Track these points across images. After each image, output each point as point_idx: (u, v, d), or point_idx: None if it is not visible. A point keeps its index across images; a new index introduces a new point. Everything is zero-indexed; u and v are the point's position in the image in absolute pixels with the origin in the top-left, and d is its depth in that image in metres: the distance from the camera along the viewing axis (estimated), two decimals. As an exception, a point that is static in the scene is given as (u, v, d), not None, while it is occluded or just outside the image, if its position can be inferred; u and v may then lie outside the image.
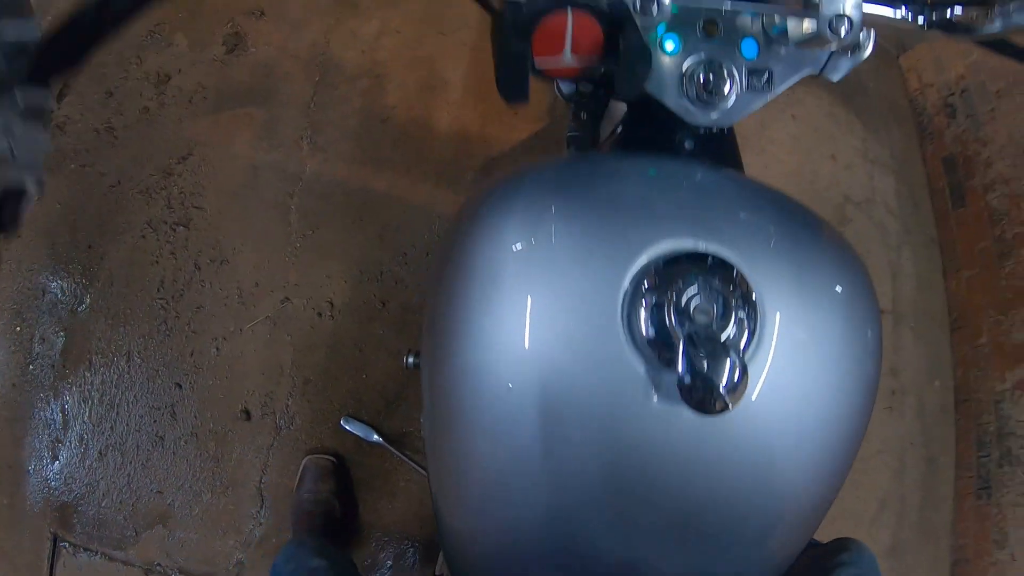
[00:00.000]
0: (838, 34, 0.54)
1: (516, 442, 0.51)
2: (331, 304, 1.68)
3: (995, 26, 0.53)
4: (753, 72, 0.61)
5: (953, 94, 3.00)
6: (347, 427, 1.44)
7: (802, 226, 0.62)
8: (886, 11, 0.57)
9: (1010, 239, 2.53)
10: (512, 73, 0.46)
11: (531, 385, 0.49)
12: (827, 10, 0.53)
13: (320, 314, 1.66)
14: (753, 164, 2.30)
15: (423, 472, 1.32)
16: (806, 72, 0.64)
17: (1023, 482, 2.15)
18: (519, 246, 0.51)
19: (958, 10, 0.57)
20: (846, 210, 2.48)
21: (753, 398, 0.51)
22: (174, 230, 1.68)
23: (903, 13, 0.58)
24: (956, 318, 2.63)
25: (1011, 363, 2.35)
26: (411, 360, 0.88)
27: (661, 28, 0.57)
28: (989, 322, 2.49)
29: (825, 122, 2.67)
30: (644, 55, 0.48)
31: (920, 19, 0.59)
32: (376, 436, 1.37)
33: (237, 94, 1.90)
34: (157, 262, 1.67)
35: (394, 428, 1.53)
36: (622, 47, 0.46)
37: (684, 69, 0.60)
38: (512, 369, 0.50)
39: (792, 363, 0.53)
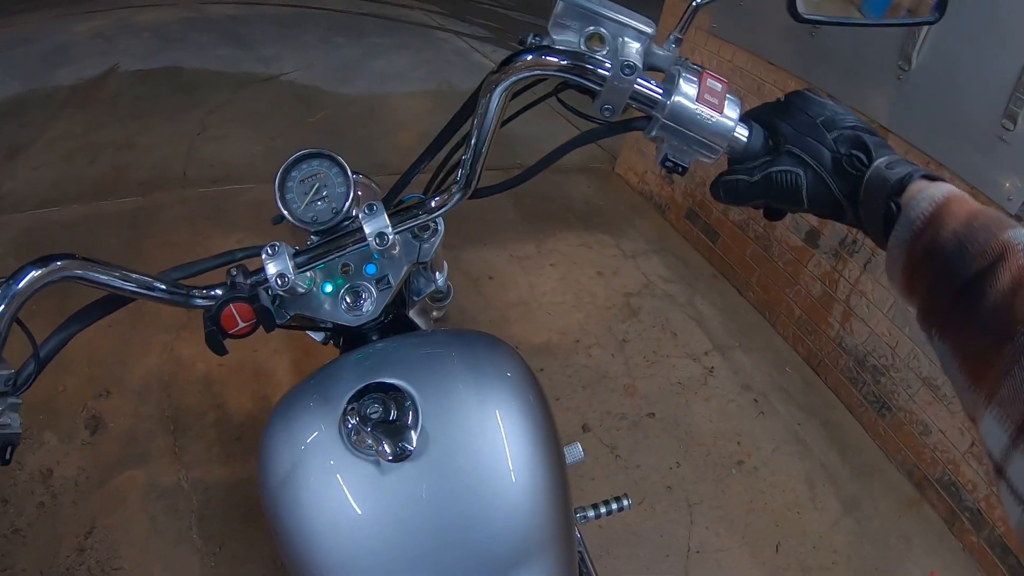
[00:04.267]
0: (384, 246, 0.78)
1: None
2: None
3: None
4: (379, 280, 0.87)
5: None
6: None
7: (444, 341, 0.88)
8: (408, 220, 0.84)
9: (763, 233, 3.07)
10: (215, 344, 0.77)
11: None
12: (370, 234, 0.77)
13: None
14: (542, 323, 2.81)
15: None
16: (408, 263, 0.88)
17: (902, 379, 2.51)
18: (310, 438, 0.76)
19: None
20: (631, 303, 2.97)
21: (444, 448, 0.75)
22: (105, 596, 1.84)
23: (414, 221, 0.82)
24: (768, 314, 3.09)
25: (825, 311, 2.80)
26: None
27: (325, 287, 0.88)
28: (791, 297, 2.96)
29: (578, 253, 3.24)
30: (268, 315, 0.79)
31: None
32: None
33: (114, 464, 2.18)
34: (100, 630, 1.81)
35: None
36: (260, 318, 0.78)
37: (339, 296, 0.88)
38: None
39: (449, 419, 0.76)
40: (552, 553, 0.80)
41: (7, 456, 0.66)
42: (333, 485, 0.74)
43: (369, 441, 0.72)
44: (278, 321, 0.82)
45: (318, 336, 1.05)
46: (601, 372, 2.60)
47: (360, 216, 0.79)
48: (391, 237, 0.79)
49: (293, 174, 0.86)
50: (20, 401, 0.68)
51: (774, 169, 0.65)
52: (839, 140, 0.64)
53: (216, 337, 0.77)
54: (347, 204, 0.85)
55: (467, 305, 2.87)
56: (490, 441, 0.77)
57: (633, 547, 2.09)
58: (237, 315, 0.77)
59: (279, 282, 0.78)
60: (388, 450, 0.70)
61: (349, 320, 0.87)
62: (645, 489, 2.24)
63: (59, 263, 0.66)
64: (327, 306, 0.87)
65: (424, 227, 0.88)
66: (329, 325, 0.92)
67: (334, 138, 4.10)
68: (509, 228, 3.34)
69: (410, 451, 0.71)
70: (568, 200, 3.64)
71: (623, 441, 2.37)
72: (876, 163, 0.62)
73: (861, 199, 0.63)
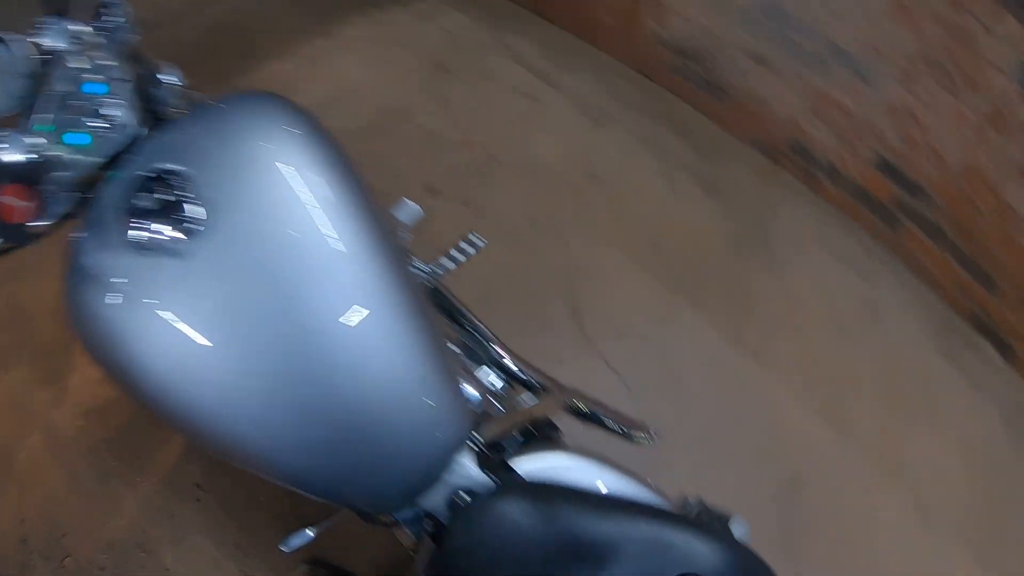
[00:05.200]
0: (84, 43, 0.76)
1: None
2: (198, 486, 1.76)
3: None
4: (112, 84, 0.78)
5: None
6: (291, 546, 1.32)
7: (208, 113, 0.81)
8: None
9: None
10: (11, 234, 0.70)
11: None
12: (63, 37, 0.75)
13: (199, 499, 1.75)
14: (357, 109, 2.50)
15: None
16: (116, 49, 0.81)
17: (729, 59, 2.47)
18: (108, 299, 0.72)
19: None
20: (444, 61, 2.74)
21: (238, 213, 0.74)
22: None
23: None
24: (584, 34, 2.91)
25: (637, 14, 2.66)
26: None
27: (69, 138, 0.76)
28: (602, 12, 2.77)
29: (374, 32, 2.89)
30: (39, 166, 0.71)
31: None
32: (312, 530, 1.33)
33: (12, 440, 1.84)
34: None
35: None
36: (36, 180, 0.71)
37: (91, 130, 0.78)
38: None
39: (234, 183, 0.75)
40: (380, 278, 0.78)
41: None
42: (150, 297, 0.72)
43: (160, 236, 0.71)
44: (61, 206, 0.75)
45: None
46: (433, 135, 2.39)
47: (40, 40, 0.74)
48: (81, 26, 0.76)
49: None
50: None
51: None
52: None
53: (10, 230, 0.70)
54: (21, 63, 0.73)
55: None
56: (284, 193, 0.76)
57: (518, 284, 1.99)
58: (14, 198, 0.69)
59: (35, 155, 0.71)
60: (178, 232, 0.71)
61: (118, 142, 0.78)
62: (509, 231, 2.12)
63: None
64: (88, 153, 0.78)
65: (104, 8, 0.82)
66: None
67: None
68: (292, 32, 2.91)
69: (200, 221, 0.71)
70: (344, -16, 3.24)
71: (474, 192, 2.22)
72: None
73: None
